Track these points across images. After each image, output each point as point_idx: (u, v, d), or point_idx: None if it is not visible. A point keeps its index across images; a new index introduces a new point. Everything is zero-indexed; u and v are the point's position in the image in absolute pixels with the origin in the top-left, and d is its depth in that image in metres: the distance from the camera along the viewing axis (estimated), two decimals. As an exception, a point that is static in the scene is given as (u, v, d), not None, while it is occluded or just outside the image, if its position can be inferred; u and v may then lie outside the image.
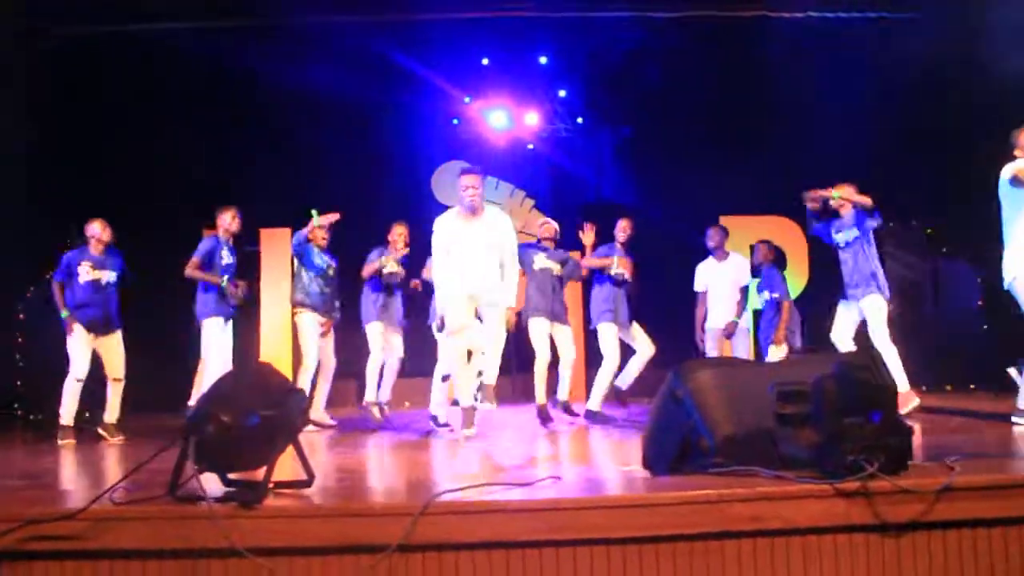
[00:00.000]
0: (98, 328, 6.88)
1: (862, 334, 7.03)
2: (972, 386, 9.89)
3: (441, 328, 6.45)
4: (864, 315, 6.87)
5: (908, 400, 6.60)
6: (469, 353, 6.21)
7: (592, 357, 7.75)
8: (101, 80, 9.42)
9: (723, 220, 9.94)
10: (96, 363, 6.92)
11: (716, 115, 10.72)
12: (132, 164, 9.40)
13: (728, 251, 8.23)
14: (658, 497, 2.71)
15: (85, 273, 6.90)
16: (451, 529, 2.64)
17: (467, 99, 11.39)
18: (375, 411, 7.59)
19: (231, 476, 2.88)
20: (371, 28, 10.20)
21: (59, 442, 6.52)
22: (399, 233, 7.79)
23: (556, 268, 7.44)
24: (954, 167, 9.48)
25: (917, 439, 4.87)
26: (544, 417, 7.10)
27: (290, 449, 2.95)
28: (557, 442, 5.94)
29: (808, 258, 10.43)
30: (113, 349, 7.01)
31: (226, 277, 7.03)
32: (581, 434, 6.45)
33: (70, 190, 8.72)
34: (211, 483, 2.87)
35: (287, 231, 9.18)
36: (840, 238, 7.00)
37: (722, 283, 8.09)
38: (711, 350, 8.09)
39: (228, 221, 7.21)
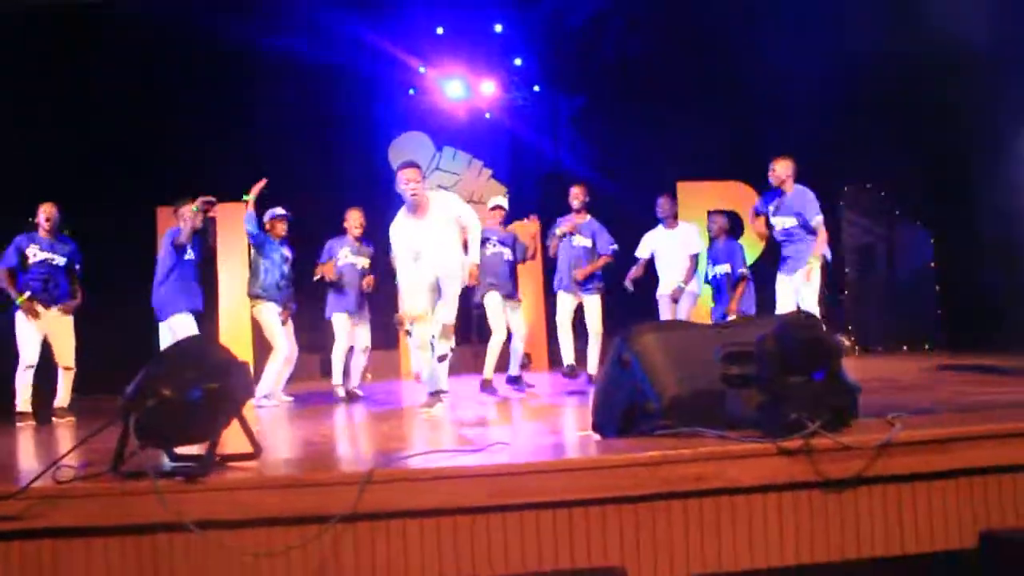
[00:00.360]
0: (47, 304, 6.83)
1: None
2: (927, 346, 10.07)
3: (399, 324, 6.34)
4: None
5: None
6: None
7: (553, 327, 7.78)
8: (46, 53, 9.20)
9: (681, 186, 9.98)
10: (47, 355, 6.86)
11: (673, 81, 10.73)
12: (82, 141, 9.23)
13: (679, 220, 8.20)
14: (603, 460, 2.73)
15: (33, 256, 6.85)
16: (398, 497, 2.64)
17: (422, 69, 11.30)
18: (340, 391, 7.54)
19: (177, 450, 2.85)
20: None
21: (18, 424, 6.53)
22: (355, 219, 7.66)
23: (507, 252, 7.53)
24: (908, 130, 9.59)
25: (867, 397, 4.97)
26: (489, 390, 7.15)
27: (237, 423, 2.93)
28: (508, 409, 5.97)
29: (766, 225, 10.48)
30: (63, 335, 6.94)
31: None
32: (532, 401, 6.50)
33: (19, 172, 8.53)
34: (156, 458, 2.85)
35: (243, 206, 9.08)
36: (778, 223, 6.83)
37: (672, 250, 8.05)
38: (664, 316, 8.10)
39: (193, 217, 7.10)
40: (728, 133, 10.20)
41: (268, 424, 5.62)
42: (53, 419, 6.76)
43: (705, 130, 10.33)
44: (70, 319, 7.00)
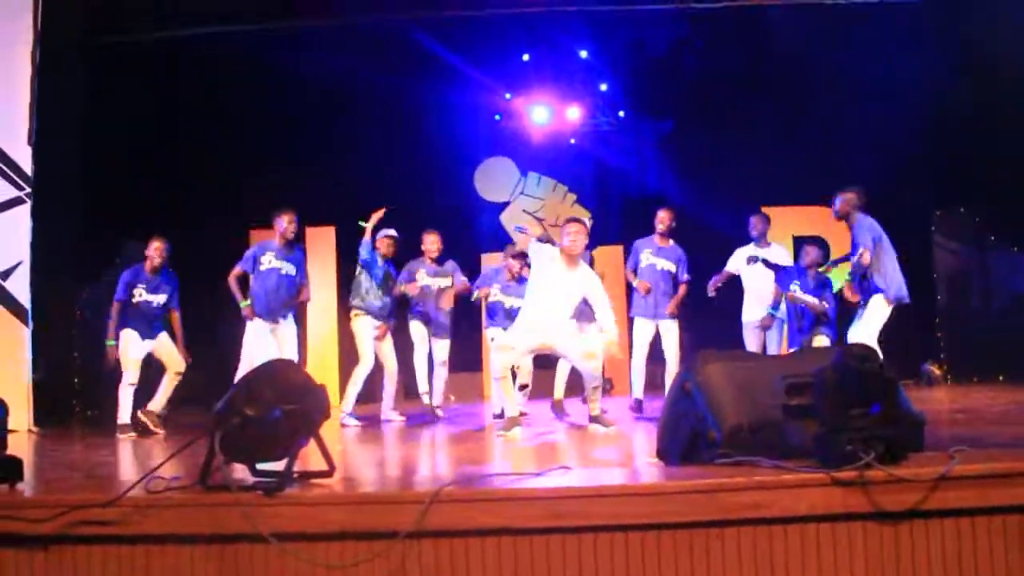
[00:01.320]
0: (145, 335, 7.21)
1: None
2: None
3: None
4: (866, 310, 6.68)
5: None
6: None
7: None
8: (151, 85, 9.73)
9: (765, 211, 9.92)
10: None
11: (758, 105, 10.67)
12: (182, 165, 9.73)
13: (771, 241, 8.14)
14: (661, 486, 2.82)
15: (138, 295, 7.25)
16: (461, 516, 2.78)
17: (508, 95, 11.52)
18: (426, 399, 7.77)
19: (258, 466, 3.05)
20: (413, 25, 10.39)
21: (119, 436, 6.93)
22: (431, 242, 7.90)
23: None
24: (1003, 151, 9.33)
25: (948, 429, 4.90)
26: (559, 412, 7.28)
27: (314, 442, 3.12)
28: (577, 433, 6.06)
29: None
30: (167, 348, 7.31)
31: (248, 302, 7.25)
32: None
33: (125, 190, 9.07)
34: (239, 473, 3.06)
35: (331, 229, 9.44)
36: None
37: (761, 271, 7.98)
38: (749, 344, 8.04)
39: (284, 225, 7.41)
40: (814, 157, 10.09)
41: (348, 443, 5.84)
42: (140, 416, 7.09)
43: (790, 154, 10.26)
44: (166, 335, 7.33)
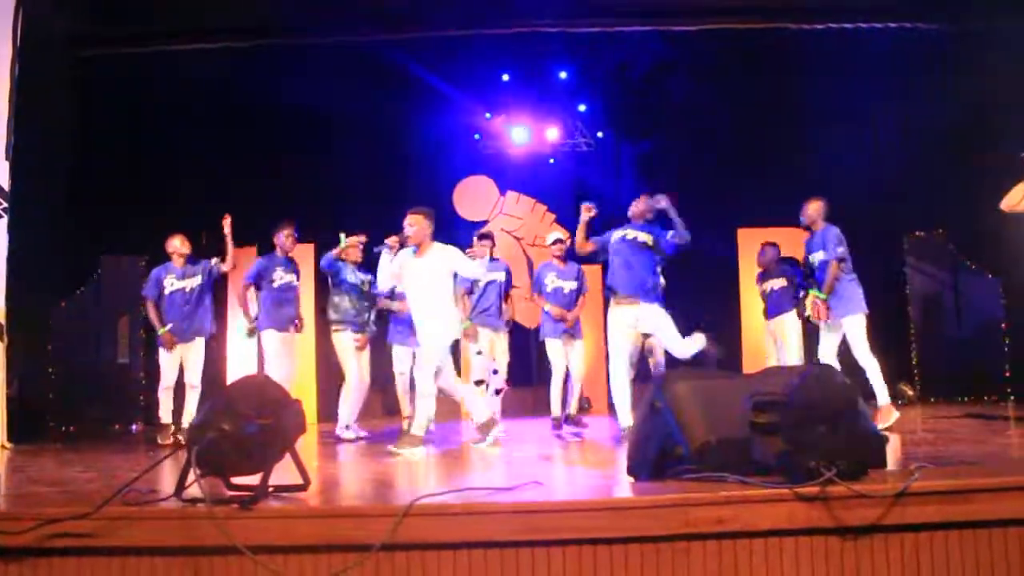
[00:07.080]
0: (184, 335, 7.53)
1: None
2: (987, 397, 9.79)
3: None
4: (846, 333, 6.84)
5: (887, 415, 6.57)
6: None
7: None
8: (134, 102, 9.77)
9: (740, 232, 10.07)
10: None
11: (735, 127, 10.83)
12: (158, 181, 9.74)
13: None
14: (628, 501, 2.89)
15: (170, 285, 7.56)
16: (433, 529, 2.83)
17: (488, 115, 11.60)
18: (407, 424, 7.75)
19: (232, 480, 3.09)
20: (393, 45, 10.47)
21: (159, 440, 7.28)
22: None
23: (567, 286, 7.66)
24: (977, 176, 9.47)
25: (915, 448, 4.99)
26: (557, 427, 7.38)
27: (289, 456, 3.16)
28: (554, 449, 6.12)
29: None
30: (193, 357, 7.57)
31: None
32: (577, 442, 6.67)
33: (104, 207, 9.07)
34: (214, 486, 3.09)
35: (310, 247, 9.44)
36: (814, 259, 7.07)
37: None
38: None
39: (283, 240, 7.70)
40: (789, 179, 10.23)
41: (326, 457, 5.87)
42: (179, 439, 7.26)
43: (766, 176, 10.39)
44: (201, 342, 7.65)
